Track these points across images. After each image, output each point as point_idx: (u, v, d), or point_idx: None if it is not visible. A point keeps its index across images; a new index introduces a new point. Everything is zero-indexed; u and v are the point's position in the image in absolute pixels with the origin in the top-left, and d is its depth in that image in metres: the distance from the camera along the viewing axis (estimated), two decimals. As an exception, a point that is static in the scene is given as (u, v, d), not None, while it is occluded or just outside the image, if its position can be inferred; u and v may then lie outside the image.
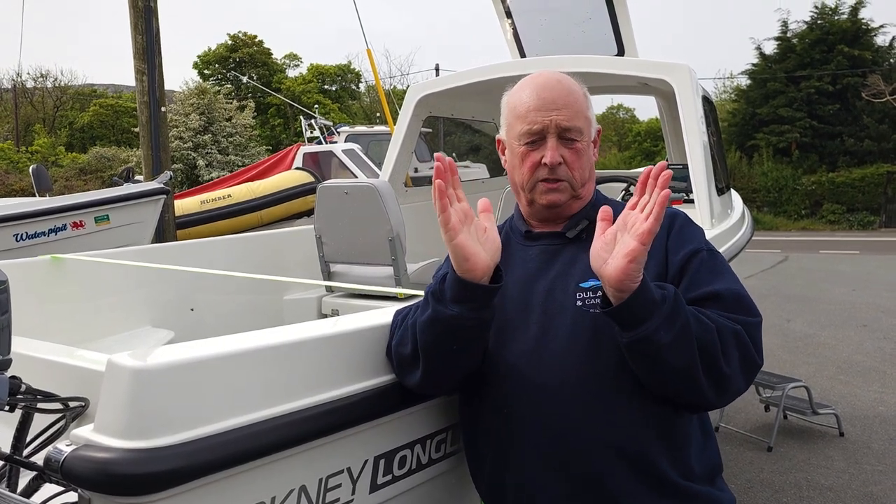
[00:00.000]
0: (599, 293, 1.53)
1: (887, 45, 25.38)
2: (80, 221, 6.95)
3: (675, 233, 1.62)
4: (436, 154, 1.48)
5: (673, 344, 1.38)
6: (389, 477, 1.63)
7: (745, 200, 5.66)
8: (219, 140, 23.74)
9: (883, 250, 16.03)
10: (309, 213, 11.84)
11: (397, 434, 1.65)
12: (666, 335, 1.38)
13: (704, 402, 1.51)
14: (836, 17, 25.37)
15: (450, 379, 1.61)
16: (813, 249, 16.19)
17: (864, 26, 25.07)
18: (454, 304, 1.46)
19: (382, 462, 1.61)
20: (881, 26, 25.29)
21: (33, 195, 8.62)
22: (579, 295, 1.55)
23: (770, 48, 26.57)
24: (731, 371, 1.46)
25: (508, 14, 4.80)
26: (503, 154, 1.74)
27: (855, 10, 25.21)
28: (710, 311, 1.48)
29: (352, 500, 1.55)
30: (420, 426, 1.71)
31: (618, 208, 1.72)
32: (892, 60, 24.99)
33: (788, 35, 26.18)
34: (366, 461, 1.58)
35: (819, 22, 25.58)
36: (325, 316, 3.90)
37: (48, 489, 1.37)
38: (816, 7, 25.75)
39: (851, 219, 22.91)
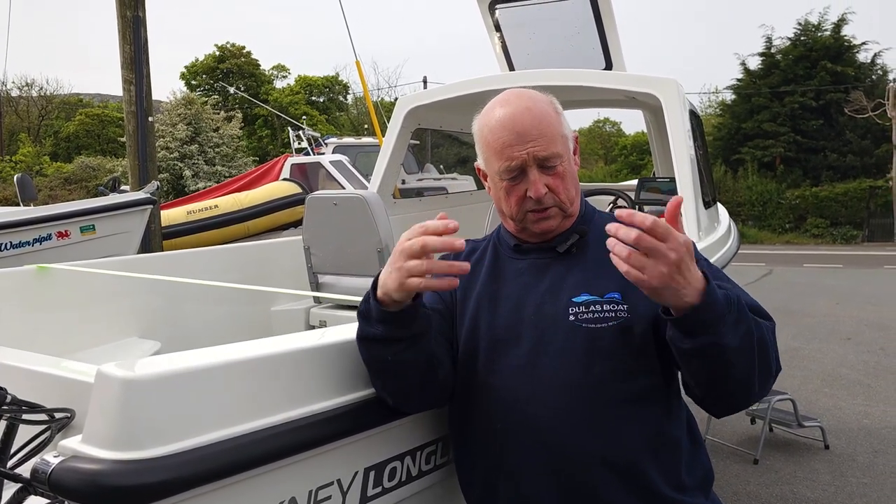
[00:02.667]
0: (592, 307, 1.53)
1: (869, 61, 25.79)
2: (66, 231, 6.90)
3: None
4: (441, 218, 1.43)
5: (738, 348, 1.37)
6: (380, 489, 1.62)
7: (730, 214, 5.70)
8: (206, 150, 23.68)
9: (866, 264, 16.20)
10: (296, 224, 11.81)
11: (387, 446, 1.64)
12: (733, 339, 1.36)
13: (746, 402, 1.52)
14: (819, 34, 25.78)
15: (414, 391, 1.57)
16: (797, 263, 16.34)
17: (846, 43, 25.49)
18: (379, 324, 1.46)
19: (372, 474, 1.60)
20: (863, 43, 25.78)
21: (17, 205, 8.55)
22: (572, 309, 1.55)
23: (754, 64, 26.96)
24: (774, 370, 1.48)
25: (497, 27, 4.82)
26: (485, 181, 1.72)
27: (837, 26, 25.64)
28: None
29: (341, 512, 1.54)
30: (410, 438, 1.70)
31: (606, 220, 1.72)
32: (874, 77, 25.38)
33: (773, 51, 26.56)
34: (356, 473, 1.57)
35: (802, 38, 25.98)
36: (312, 327, 3.89)
37: (33, 502, 1.35)
38: (800, 24, 26.18)
39: (835, 233, 23.18)
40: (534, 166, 1.57)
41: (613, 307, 1.53)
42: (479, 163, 1.71)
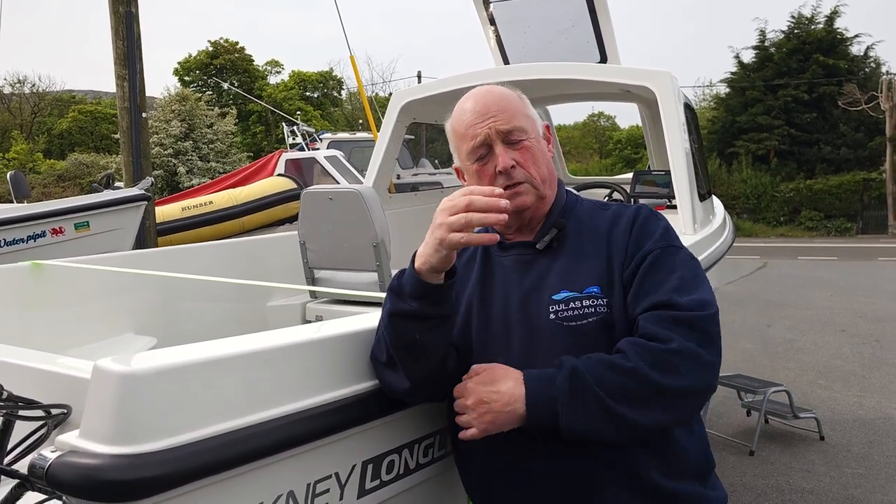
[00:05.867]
0: (572, 304, 1.53)
1: (862, 54, 25.83)
2: (60, 228, 6.87)
3: (635, 233, 1.59)
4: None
5: (598, 422, 1.40)
6: (377, 482, 1.63)
7: (724, 207, 5.71)
8: (200, 147, 23.63)
9: (860, 256, 16.25)
10: (291, 219, 11.81)
11: (385, 439, 1.65)
12: (584, 420, 1.41)
13: (670, 426, 1.51)
14: (812, 27, 25.77)
15: (430, 375, 1.57)
16: (791, 256, 16.39)
17: (839, 36, 25.50)
18: (413, 300, 1.48)
19: (370, 467, 1.61)
20: (856, 36, 25.78)
21: (11, 202, 8.51)
22: (552, 308, 1.54)
23: (748, 57, 26.96)
24: (682, 385, 1.42)
25: (492, 21, 4.82)
26: (464, 181, 1.73)
27: (830, 19, 25.63)
28: (651, 325, 1.46)
29: (340, 506, 1.54)
30: (408, 431, 1.70)
31: (592, 211, 1.70)
32: (867, 70, 25.42)
33: (766, 44, 26.56)
34: (354, 466, 1.57)
35: (796, 31, 25.99)
36: (309, 322, 3.88)
37: (31, 497, 1.34)
38: (793, 17, 26.18)
39: (829, 225, 23.25)
40: (498, 141, 1.60)
41: (593, 302, 1.53)
42: (455, 161, 1.73)
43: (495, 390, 1.45)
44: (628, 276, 1.54)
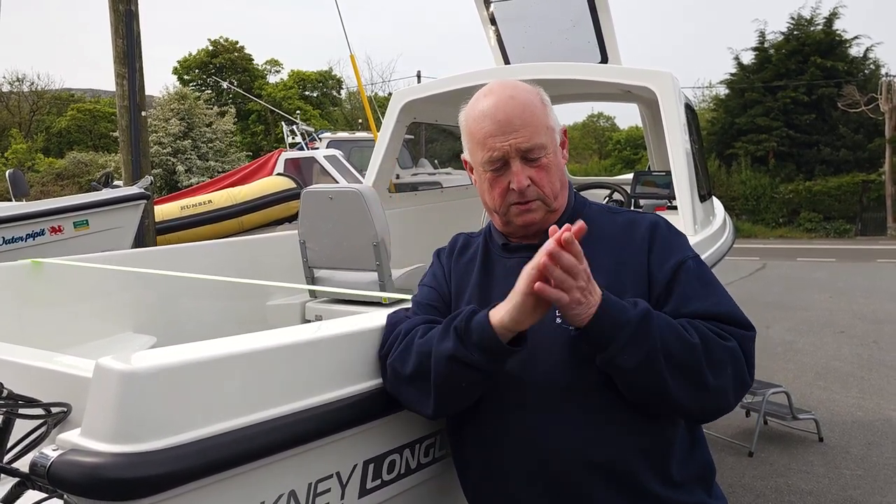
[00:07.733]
0: None
1: (861, 55, 25.83)
2: (59, 226, 6.87)
3: (657, 246, 1.59)
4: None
5: (639, 368, 1.39)
6: (378, 482, 1.62)
7: (724, 208, 5.71)
8: (199, 146, 23.59)
9: (859, 258, 16.25)
10: (290, 219, 11.81)
11: (386, 438, 1.64)
12: (630, 359, 1.38)
13: (687, 415, 1.52)
14: (811, 29, 25.77)
15: (456, 408, 1.58)
16: (790, 257, 16.38)
17: (837, 38, 25.49)
18: (479, 351, 1.43)
19: (372, 466, 1.60)
20: (855, 37, 25.76)
21: (10, 200, 8.50)
22: (558, 311, 1.50)
23: (748, 58, 26.94)
24: (718, 384, 1.45)
25: (492, 21, 4.82)
26: (471, 173, 1.69)
27: (829, 21, 25.62)
28: (707, 325, 1.48)
29: (341, 505, 1.54)
30: (409, 431, 1.70)
31: (600, 216, 1.69)
32: (866, 71, 25.43)
33: (766, 45, 26.54)
34: (355, 466, 1.57)
35: (795, 33, 25.98)
36: (308, 321, 3.87)
37: (31, 496, 1.34)
38: (792, 18, 26.16)
39: (828, 227, 23.24)
40: (517, 158, 1.55)
41: None
42: (465, 154, 1.69)
43: (592, 291, 1.38)
44: (661, 287, 1.54)
